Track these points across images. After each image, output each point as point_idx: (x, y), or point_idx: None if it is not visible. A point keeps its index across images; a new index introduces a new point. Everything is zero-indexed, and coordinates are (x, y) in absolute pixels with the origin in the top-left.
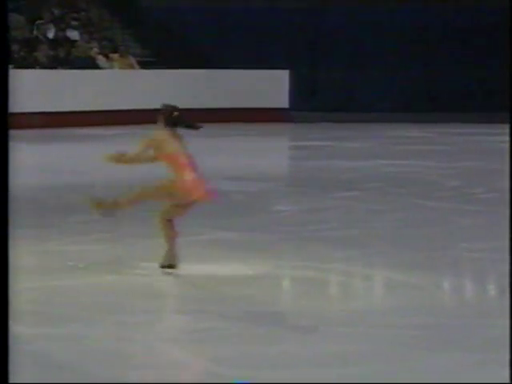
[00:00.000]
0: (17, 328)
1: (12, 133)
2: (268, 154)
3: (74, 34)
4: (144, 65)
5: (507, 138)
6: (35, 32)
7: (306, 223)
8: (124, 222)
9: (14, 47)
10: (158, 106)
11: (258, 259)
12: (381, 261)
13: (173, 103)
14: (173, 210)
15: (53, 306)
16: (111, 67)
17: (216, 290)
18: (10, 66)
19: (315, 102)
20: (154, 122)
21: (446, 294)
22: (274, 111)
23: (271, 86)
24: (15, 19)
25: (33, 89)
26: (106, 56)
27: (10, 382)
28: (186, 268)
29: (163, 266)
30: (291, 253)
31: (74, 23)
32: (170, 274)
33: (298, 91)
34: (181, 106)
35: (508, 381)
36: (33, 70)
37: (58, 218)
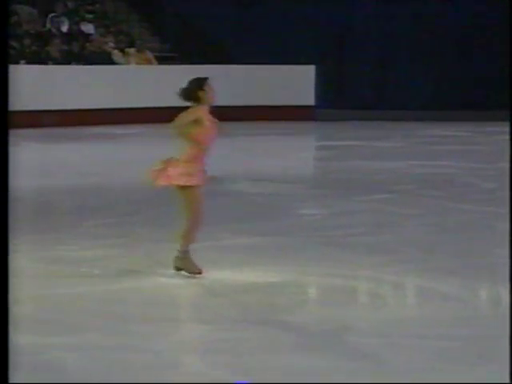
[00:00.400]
0: (28, 337)
1: (23, 132)
2: (293, 154)
3: (88, 28)
4: (162, 60)
5: None
6: (48, 25)
7: (332, 228)
8: (141, 226)
9: (26, 41)
10: (176, 103)
11: (281, 266)
12: (412, 268)
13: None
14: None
15: (66, 315)
16: (128, 63)
17: (236, 298)
18: (22, 62)
19: (343, 99)
20: (172, 119)
21: (482, 304)
22: (298, 109)
23: (296, 83)
24: (27, 12)
25: (45, 85)
26: (122, 51)
27: (10, 382)
28: (204, 275)
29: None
30: (317, 259)
31: (89, 16)
32: (188, 279)
33: (325, 88)
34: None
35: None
36: (45, 66)
37: (72, 221)
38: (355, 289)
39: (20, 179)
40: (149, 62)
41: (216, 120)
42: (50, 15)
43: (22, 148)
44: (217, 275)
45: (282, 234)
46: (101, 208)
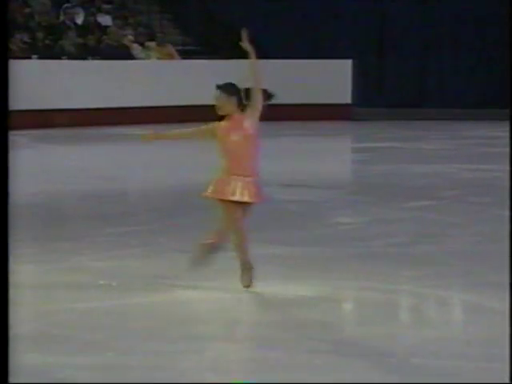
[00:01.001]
0: (44, 356)
1: (34, 133)
2: (327, 156)
3: (105, 20)
4: (185, 54)
5: None
6: (62, 17)
7: (370, 237)
8: (162, 235)
9: (38, 35)
10: (201, 101)
11: (315, 278)
12: (458, 281)
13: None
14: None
15: (83, 331)
16: (148, 57)
17: (266, 314)
18: (34, 57)
19: (382, 97)
20: (197, 119)
21: None
22: (334, 107)
23: (331, 79)
24: (40, 2)
25: (58, 82)
26: (142, 45)
27: (10, 382)
28: (231, 288)
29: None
30: (354, 271)
31: (106, 7)
32: (212, 293)
33: (363, 84)
34: None
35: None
36: (59, 61)
37: (88, 230)
38: (396, 304)
39: (32, 184)
40: (171, 57)
41: (246, 128)
42: (64, 6)
43: (33, 150)
44: (240, 288)
45: (316, 244)
46: (119, 215)
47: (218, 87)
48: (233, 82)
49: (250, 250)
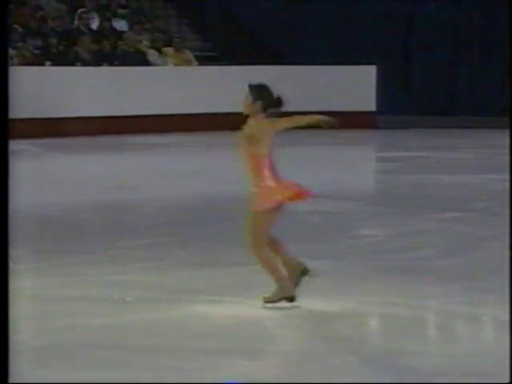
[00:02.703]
0: (56, 372)
1: (47, 142)
2: (351, 166)
3: (121, 25)
4: (204, 60)
5: None
6: (76, 22)
7: (396, 250)
8: (181, 248)
9: (52, 40)
10: (220, 108)
11: (339, 294)
12: (488, 297)
13: (238, 106)
14: (265, 227)
15: (97, 348)
16: (165, 63)
17: (287, 329)
18: (48, 63)
19: (408, 104)
20: (216, 128)
21: None
22: (357, 115)
23: (355, 85)
24: (54, 7)
25: (73, 89)
26: (159, 50)
27: (10, 382)
28: (249, 302)
29: (276, 301)
30: (379, 286)
31: (122, 12)
32: (231, 308)
33: (388, 91)
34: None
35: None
36: (73, 68)
37: (103, 242)
38: (424, 321)
39: (45, 195)
40: (188, 63)
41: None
42: (79, 11)
43: (46, 160)
44: (262, 304)
45: (339, 258)
46: (134, 227)
47: (249, 86)
48: (265, 84)
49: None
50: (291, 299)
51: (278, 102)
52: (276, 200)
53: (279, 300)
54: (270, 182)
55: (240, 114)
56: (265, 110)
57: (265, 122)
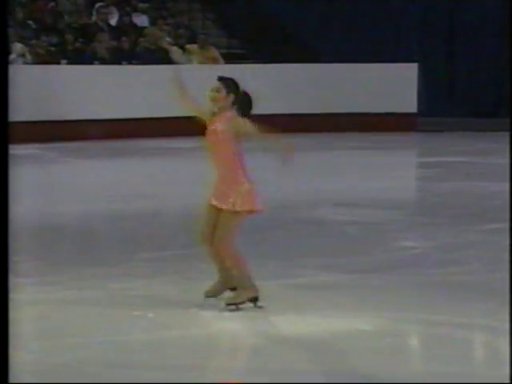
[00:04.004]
0: None
1: (63, 146)
2: (389, 173)
3: (141, 20)
4: (231, 58)
5: None
6: (94, 18)
7: (438, 264)
8: (203, 261)
9: (68, 37)
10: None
11: (373, 310)
12: None
13: (268, 107)
14: (236, 227)
15: (118, 367)
16: (189, 61)
17: (316, 349)
18: (63, 61)
19: (452, 105)
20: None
21: None
22: (397, 117)
23: (394, 85)
24: (70, 2)
25: (90, 90)
26: (182, 47)
27: (10, 382)
28: (278, 319)
29: (240, 303)
30: (419, 302)
31: (143, 6)
32: (257, 324)
33: (430, 91)
34: (278, 110)
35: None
36: (90, 66)
37: (120, 254)
38: (468, 340)
39: (61, 203)
40: (214, 61)
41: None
42: (97, 5)
43: (62, 166)
44: (293, 319)
45: (375, 271)
46: (156, 238)
47: (220, 79)
48: (234, 78)
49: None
50: (255, 299)
51: (248, 98)
52: (254, 206)
53: (243, 302)
54: (247, 185)
55: (272, 116)
56: (233, 105)
57: (240, 118)
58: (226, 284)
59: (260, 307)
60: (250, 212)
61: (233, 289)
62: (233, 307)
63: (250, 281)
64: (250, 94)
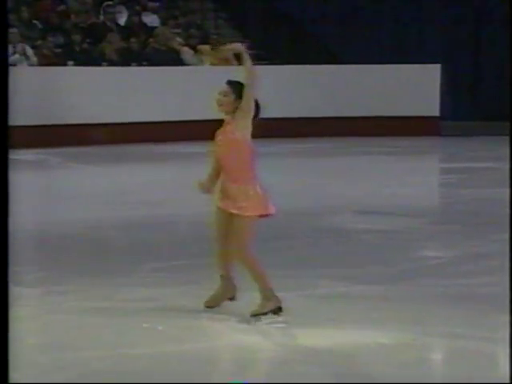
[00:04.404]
0: None
1: (71, 151)
2: (411, 178)
3: (152, 20)
4: None
5: None
6: (102, 17)
7: (462, 274)
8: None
9: (75, 37)
10: (264, 113)
11: (395, 323)
12: None
13: (284, 110)
14: (250, 232)
15: (128, 380)
16: (201, 63)
17: (336, 362)
18: (70, 63)
19: (477, 108)
20: (259, 135)
21: None
22: (418, 120)
23: (416, 87)
24: (77, 1)
25: (98, 92)
26: (194, 48)
27: (10, 382)
28: (297, 331)
29: (266, 313)
30: (443, 315)
31: (153, 5)
32: (274, 338)
33: (454, 93)
34: (293, 113)
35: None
36: (98, 68)
37: (130, 264)
38: (494, 355)
39: (66, 211)
40: (227, 62)
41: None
42: (105, 4)
43: (67, 171)
44: (309, 332)
45: (396, 282)
46: (167, 247)
47: (230, 83)
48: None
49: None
50: (279, 310)
51: (256, 103)
52: (265, 209)
53: (267, 313)
54: (258, 188)
55: (287, 119)
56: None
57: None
58: (226, 294)
59: (278, 317)
60: (262, 216)
61: (231, 298)
62: (255, 318)
63: (272, 291)
64: (257, 99)
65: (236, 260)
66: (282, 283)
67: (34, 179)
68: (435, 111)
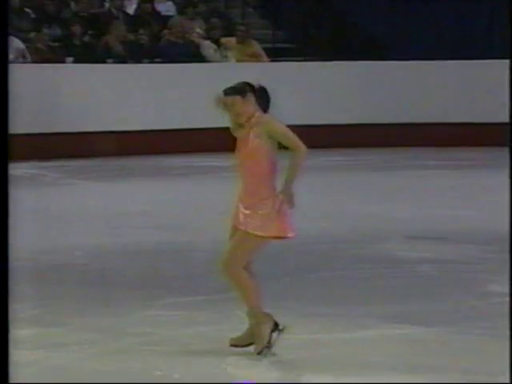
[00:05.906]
0: None
1: (72, 164)
2: (476, 197)
3: (166, 8)
4: (276, 54)
5: None
6: (107, 5)
7: None
8: (241, 307)
9: (75, 29)
10: (300, 119)
11: (456, 371)
12: None
13: (323, 116)
14: (252, 252)
15: None
16: (225, 58)
17: None
18: (69, 59)
19: None
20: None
21: None
22: (483, 128)
23: (481, 88)
24: None
25: (102, 94)
26: (217, 41)
27: (10, 382)
28: (338, 379)
29: (269, 342)
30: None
31: None
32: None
33: None
34: (332, 120)
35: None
36: (102, 65)
37: (141, 298)
38: None
39: (66, 236)
40: (256, 58)
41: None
42: None
43: (68, 189)
44: (357, 379)
45: (459, 323)
46: (182, 279)
47: (226, 93)
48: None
49: None
50: (276, 328)
51: (265, 90)
52: (281, 232)
53: (270, 339)
54: (277, 206)
55: (325, 126)
56: (260, 104)
57: (273, 120)
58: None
59: (282, 330)
60: (276, 238)
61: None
62: (267, 351)
63: (260, 308)
64: (265, 87)
65: (221, 271)
66: (320, 323)
67: (28, 199)
68: (504, 116)
